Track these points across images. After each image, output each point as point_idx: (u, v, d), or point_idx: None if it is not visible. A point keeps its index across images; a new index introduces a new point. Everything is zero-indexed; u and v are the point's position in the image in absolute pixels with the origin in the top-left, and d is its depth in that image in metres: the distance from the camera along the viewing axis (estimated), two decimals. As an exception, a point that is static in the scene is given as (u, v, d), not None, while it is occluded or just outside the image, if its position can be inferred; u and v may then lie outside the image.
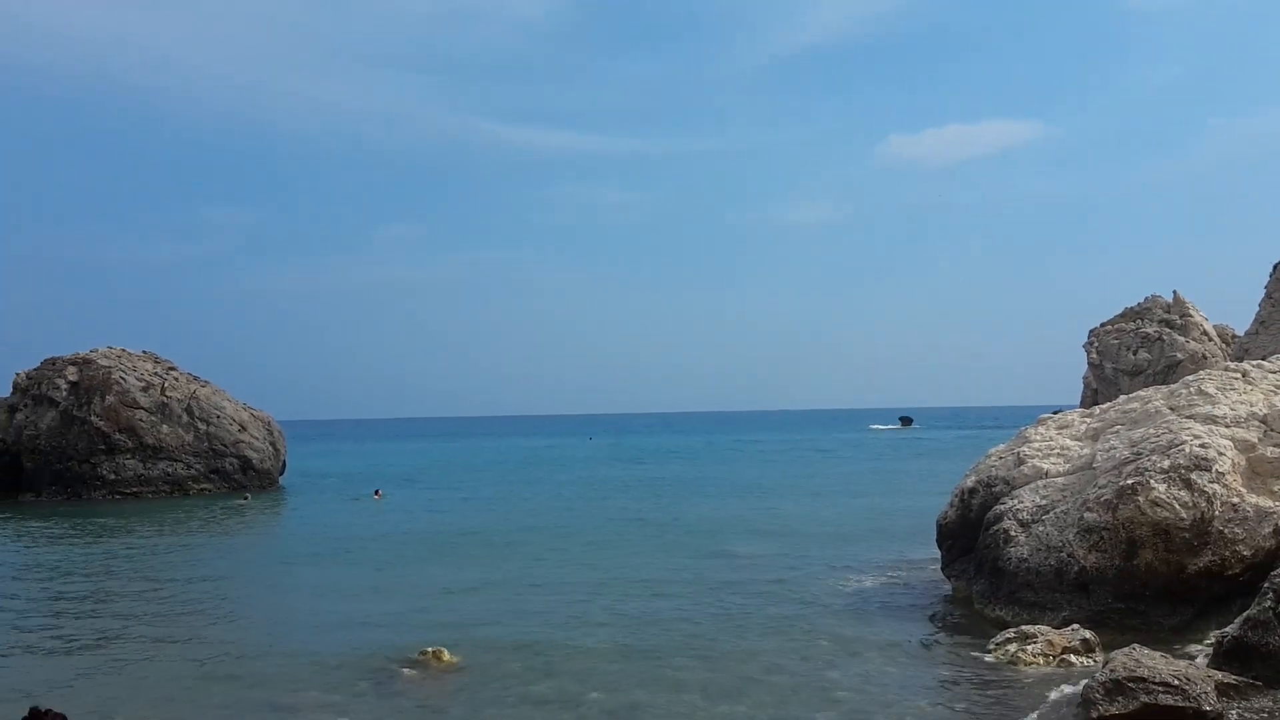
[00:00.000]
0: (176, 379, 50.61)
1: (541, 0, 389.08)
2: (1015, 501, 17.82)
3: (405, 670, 14.72)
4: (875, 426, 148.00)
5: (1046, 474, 18.16)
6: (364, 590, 21.97)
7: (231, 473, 49.44)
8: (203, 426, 49.39)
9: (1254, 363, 20.76)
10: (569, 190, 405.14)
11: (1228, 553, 15.18)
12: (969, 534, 18.82)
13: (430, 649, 15.16)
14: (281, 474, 53.07)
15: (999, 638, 15.02)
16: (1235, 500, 15.48)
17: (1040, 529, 16.99)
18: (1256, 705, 11.05)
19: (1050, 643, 14.42)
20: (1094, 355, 71.41)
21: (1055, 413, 21.98)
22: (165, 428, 48.34)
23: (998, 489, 18.68)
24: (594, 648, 15.98)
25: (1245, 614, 12.52)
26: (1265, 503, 15.48)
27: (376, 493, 47.98)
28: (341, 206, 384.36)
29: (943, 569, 19.84)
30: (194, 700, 13.77)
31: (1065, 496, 17.27)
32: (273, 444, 52.26)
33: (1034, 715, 11.97)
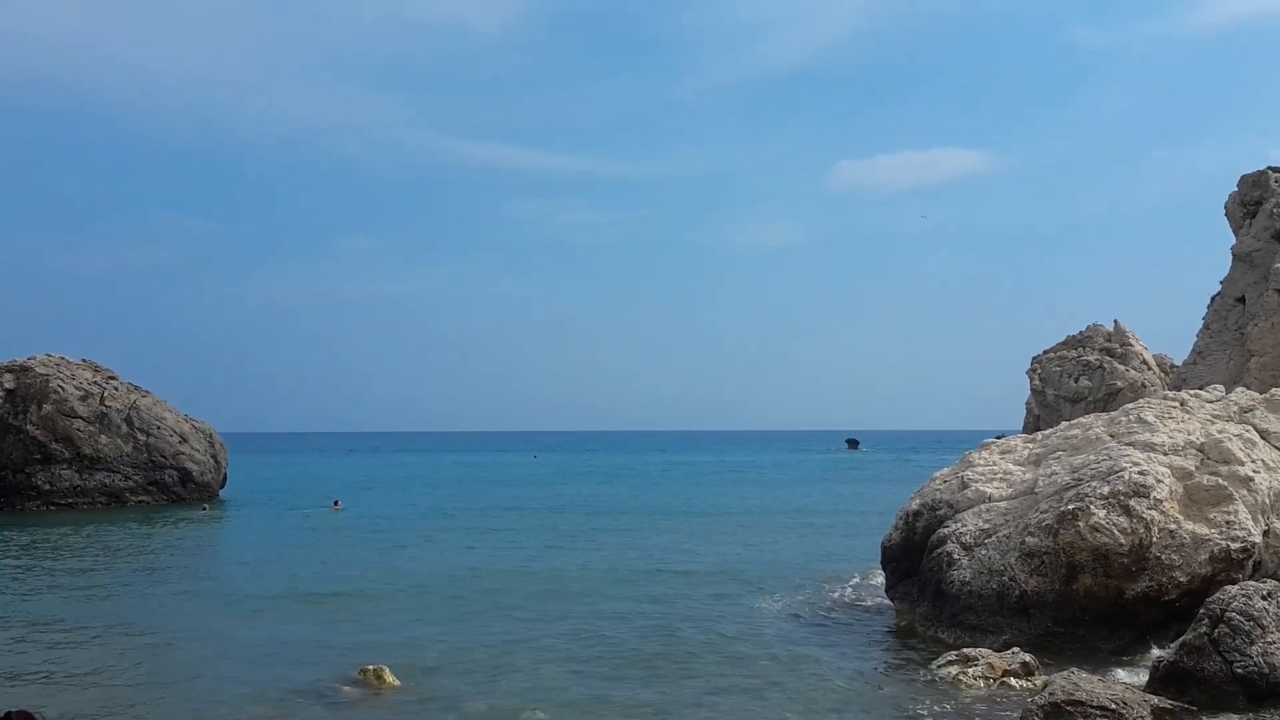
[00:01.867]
0: (116, 388, 49.64)
1: (505, 19, 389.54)
2: (959, 525, 18.00)
3: (345, 689, 14.49)
4: (821, 449, 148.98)
5: (989, 498, 18.37)
6: (307, 608, 21.61)
7: (171, 485, 48.52)
8: (142, 437, 48.45)
9: (1191, 392, 21.20)
10: (530, 208, 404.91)
11: (1165, 579, 15.44)
12: (913, 557, 18.96)
13: (370, 668, 14.93)
14: (222, 487, 52.17)
15: (941, 660, 15.13)
16: (1173, 527, 15.76)
17: (983, 552, 17.17)
18: (1191, 729, 11.24)
19: (991, 665, 14.55)
20: (1036, 381, 72.56)
21: (999, 437, 22.26)
22: (104, 438, 47.36)
23: (942, 512, 18.85)
24: (537, 668, 15.85)
25: (1181, 639, 12.76)
26: (1201, 530, 15.77)
27: (335, 504, 47.34)
28: (300, 218, 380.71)
29: (887, 591, 19.96)
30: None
31: (1008, 521, 17.48)
32: (214, 456, 51.41)
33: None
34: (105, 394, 48.76)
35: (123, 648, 17.74)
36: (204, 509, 45.15)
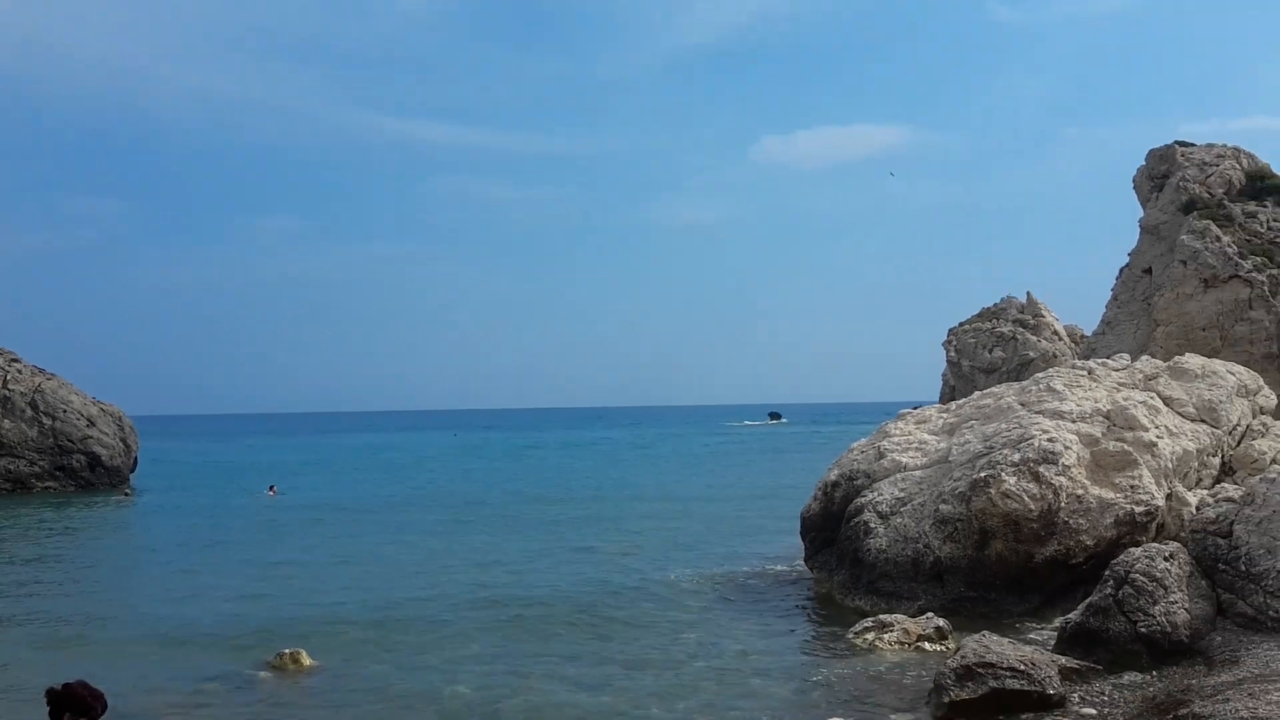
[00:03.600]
0: (20, 371, 47.99)
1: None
2: (875, 494, 18.27)
3: (261, 674, 14.24)
4: (745, 422, 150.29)
5: (905, 467, 18.67)
6: (223, 593, 21.19)
7: (79, 470, 47.09)
8: (48, 421, 46.94)
9: (1099, 361, 21.76)
10: (456, 185, 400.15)
11: (1072, 543, 15.86)
12: (832, 526, 19.21)
13: (287, 651, 14.67)
14: (133, 471, 50.77)
15: (858, 626, 15.38)
16: (1080, 492, 16.18)
17: (898, 520, 17.46)
18: (1097, 688, 11.58)
19: (906, 630, 14.84)
20: (952, 353, 73.95)
21: (915, 408, 22.61)
22: (7, 422, 45.77)
23: (859, 482, 19.12)
24: (458, 645, 15.78)
25: (1088, 601, 13.12)
26: (1107, 494, 16.22)
27: (271, 489, 46.38)
28: (220, 198, 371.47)
29: (806, 561, 20.20)
30: (38, 706, 13.04)
31: (922, 489, 17.78)
32: (124, 440, 49.99)
33: (890, 701, 12.28)
34: (8, 377, 47.13)
35: (30, 638, 17.22)
36: (126, 493, 44.22)
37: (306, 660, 14.54)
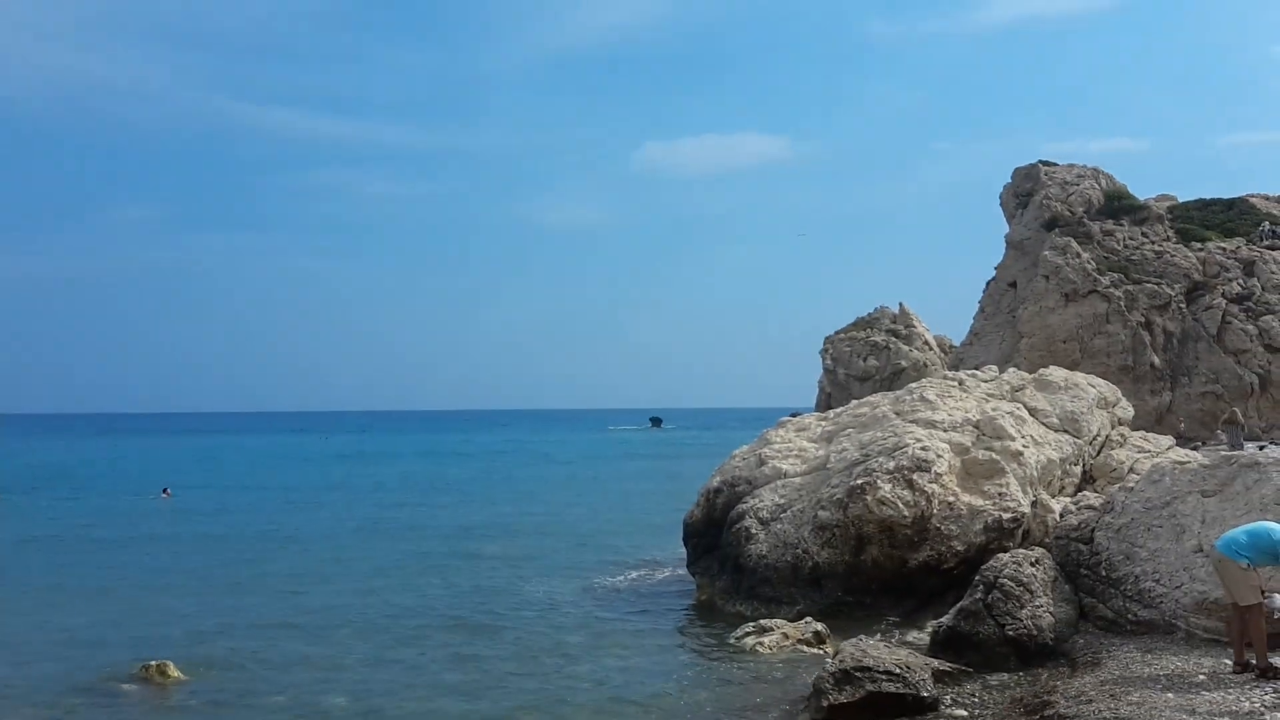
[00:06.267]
0: None
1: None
2: (756, 500, 18.55)
3: (125, 686, 13.66)
4: (621, 427, 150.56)
5: (785, 474, 19.00)
6: (86, 601, 20.28)
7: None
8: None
9: (969, 372, 22.54)
10: (330, 178, 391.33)
11: (944, 548, 16.37)
12: (714, 532, 19.42)
13: (154, 663, 14.09)
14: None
15: (739, 631, 15.58)
16: (951, 499, 16.72)
17: (779, 527, 17.76)
18: (968, 690, 11.97)
19: (785, 635, 15.10)
20: (829, 361, 75.64)
21: (794, 415, 23.04)
22: None
23: (740, 489, 19.38)
24: (335, 655, 15.40)
25: (958, 605, 13.55)
26: (977, 501, 16.80)
27: (165, 491, 44.58)
28: (70, 185, 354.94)
29: (688, 567, 20.36)
30: None
31: (802, 496, 18.13)
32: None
33: (770, 704, 12.47)
34: None
35: None
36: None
37: (174, 672, 13.99)
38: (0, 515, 37.48)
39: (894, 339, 74.14)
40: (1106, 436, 20.56)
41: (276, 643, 16.25)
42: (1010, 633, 12.74)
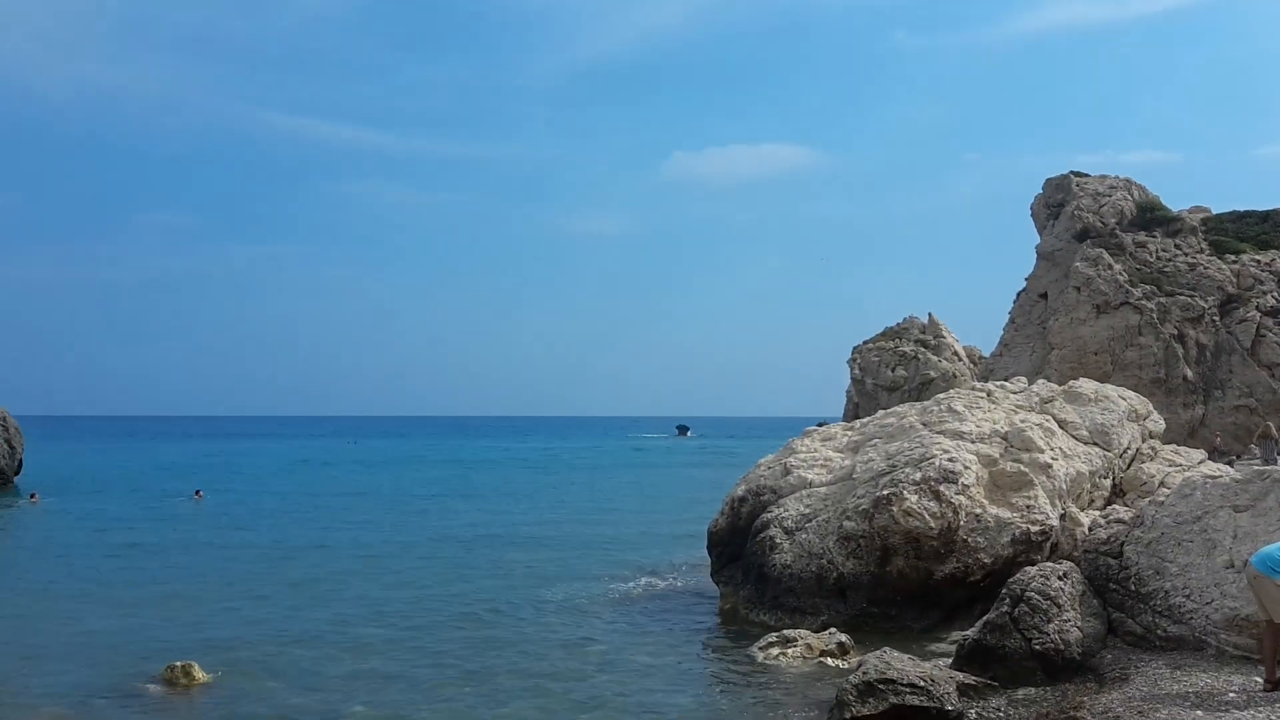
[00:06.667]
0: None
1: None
2: (781, 510, 18.45)
3: (150, 687, 13.75)
4: (644, 435, 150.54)
5: (810, 484, 18.89)
6: (114, 603, 20.44)
7: (-42, 472, 45.09)
8: (-74, 421, 44.86)
9: (997, 383, 22.34)
10: (362, 187, 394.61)
11: (971, 560, 16.21)
12: (738, 541, 19.34)
13: (179, 664, 14.19)
14: (17, 473, 48.78)
15: (762, 641, 15.48)
16: (978, 511, 16.56)
17: (803, 536, 17.65)
18: (993, 704, 11.81)
19: (809, 646, 14.99)
20: (856, 371, 75.24)
21: (820, 425, 22.92)
22: (-119, 421, 43.61)
23: (765, 498, 19.28)
24: (357, 661, 15.44)
25: (984, 618, 13.39)
26: (1004, 514, 16.63)
27: (197, 493, 44.93)
28: (107, 193, 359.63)
29: (712, 575, 20.28)
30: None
31: (827, 505, 18.02)
32: (7, 440, 48.03)
33: (793, 716, 12.37)
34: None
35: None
36: (33, 496, 42.94)
37: (199, 675, 14.07)
38: (35, 516, 37.93)
39: (923, 349, 73.66)
40: (1137, 450, 20.31)
41: (299, 648, 16.29)
42: (1037, 647, 12.57)
